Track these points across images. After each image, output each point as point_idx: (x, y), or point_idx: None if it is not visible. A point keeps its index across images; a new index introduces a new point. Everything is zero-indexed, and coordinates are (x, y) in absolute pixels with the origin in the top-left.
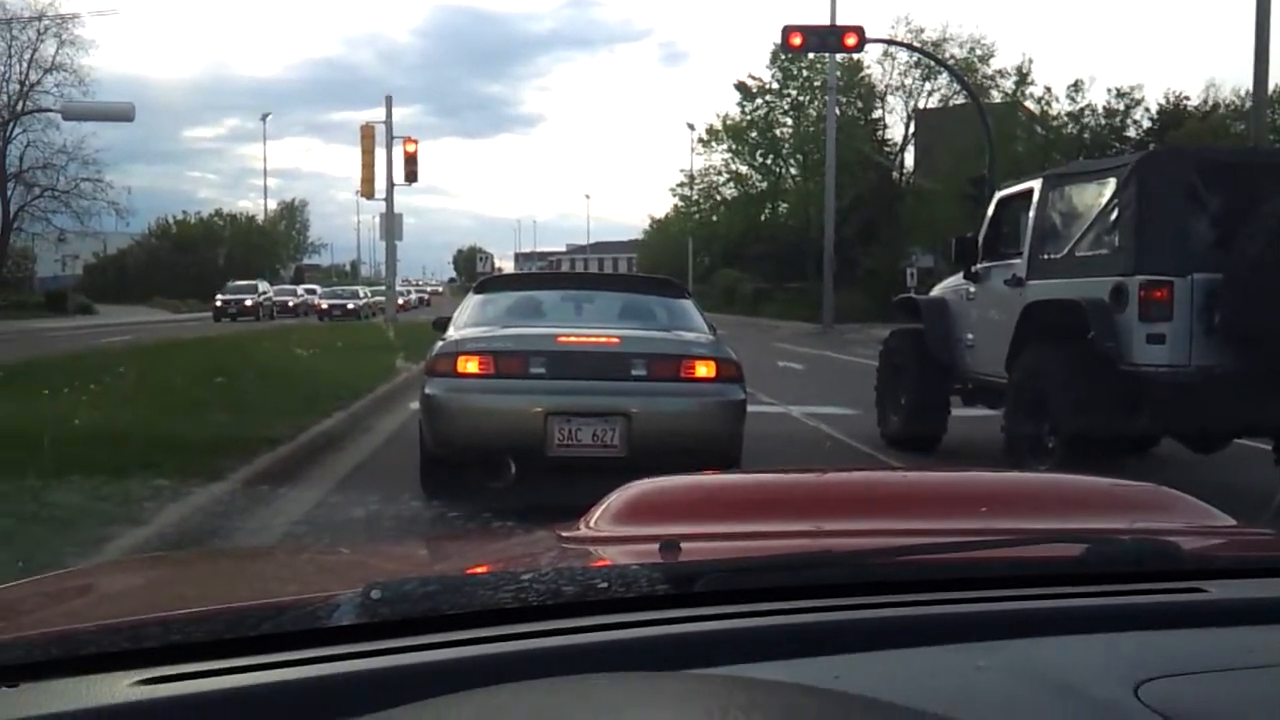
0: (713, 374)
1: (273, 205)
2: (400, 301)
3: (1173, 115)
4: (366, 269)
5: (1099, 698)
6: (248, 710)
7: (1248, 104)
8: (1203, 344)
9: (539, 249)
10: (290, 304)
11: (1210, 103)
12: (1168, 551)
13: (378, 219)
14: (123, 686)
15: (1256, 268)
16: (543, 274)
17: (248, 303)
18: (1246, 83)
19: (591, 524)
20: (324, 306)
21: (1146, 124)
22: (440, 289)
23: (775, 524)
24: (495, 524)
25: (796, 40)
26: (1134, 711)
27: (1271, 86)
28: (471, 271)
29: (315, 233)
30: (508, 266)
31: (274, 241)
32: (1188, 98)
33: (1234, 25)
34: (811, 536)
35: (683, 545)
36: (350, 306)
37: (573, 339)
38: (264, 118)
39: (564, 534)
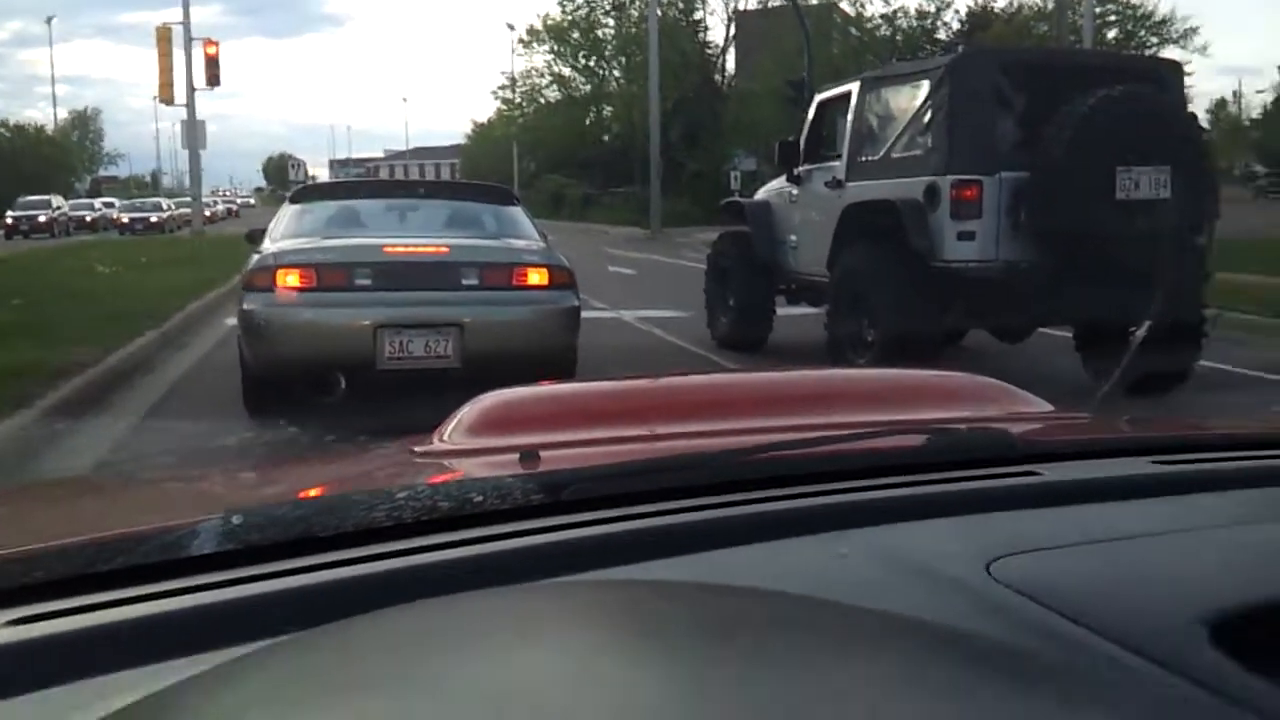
0: (545, 281)
1: (63, 114)
2: (207, 213)
3: (980, 18)
4: (169, 180)
5: (954, 576)
6: (131, 640)
7: (1049, 6)
8: (1009, 240)
9: (355, 155)
10: (88, 219)
11: (1015, 5)
12: (1002, 438)
13: (179, 127)
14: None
15: (1057, 168)
16: (364, 182)
17: (41, 219)
18: None
19: (445, 437)
20: (125, 220)
21: (956, 26)
22: (251, 200)
23: (629, 429)
24: (338, 443)
25: None
26: (987, 587)
27: None
28: (283, 181)
29: (111, 143)
30: (322, 174)
31: (66, 153)
32: (995, 0)
33: None
34: (666, 440)
35: (541, 455)
36: (153, 220)
37: (400, 249)
38: (49, 20)
39: (417, 449)
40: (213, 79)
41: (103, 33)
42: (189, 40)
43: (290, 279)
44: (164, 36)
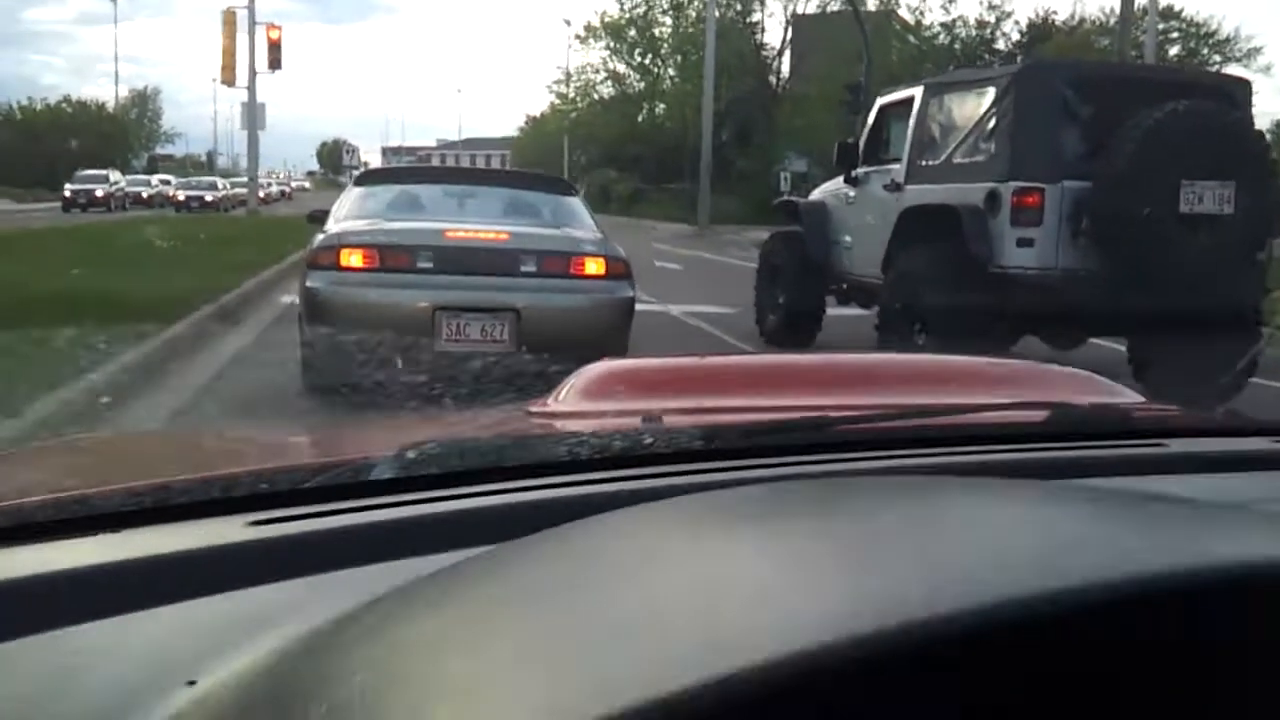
0: (602, 271)
1: (124, 93)
2: (261, 194)
3: (1041, 30)
4: (224, 160)
5: None
6: (358, 544)
7: (1112, 21)
8: (1069, 248)
9: (407, 144)
10: (144, 195)
11: (1077, 18)
12: (1128, 414)
13: (236, 108)
14: (237, 528)
15: (1121, 179)
16: (426, 168)
17: (98, 193)
18: (1111, 2)
19: (559, 400)
20: (180, 198)
21: (1015, 37)
22: (305, 184)
23: (738, 400)
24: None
25: None
26: None
27: (1136, 4)
28: (336, 165)
29: (169, 122)
30: (374, 161)
31: (125, 130)
32: (1055, 13)
33: None
34: (782, 410)
35: (664, 419)
36: (208, 199)
37: (461, 234)
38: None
39: (534, 410)
40: (274, 63)
41: (165, 13)
42: (253, 24)
43: (354, 259)
44: (229, 20)
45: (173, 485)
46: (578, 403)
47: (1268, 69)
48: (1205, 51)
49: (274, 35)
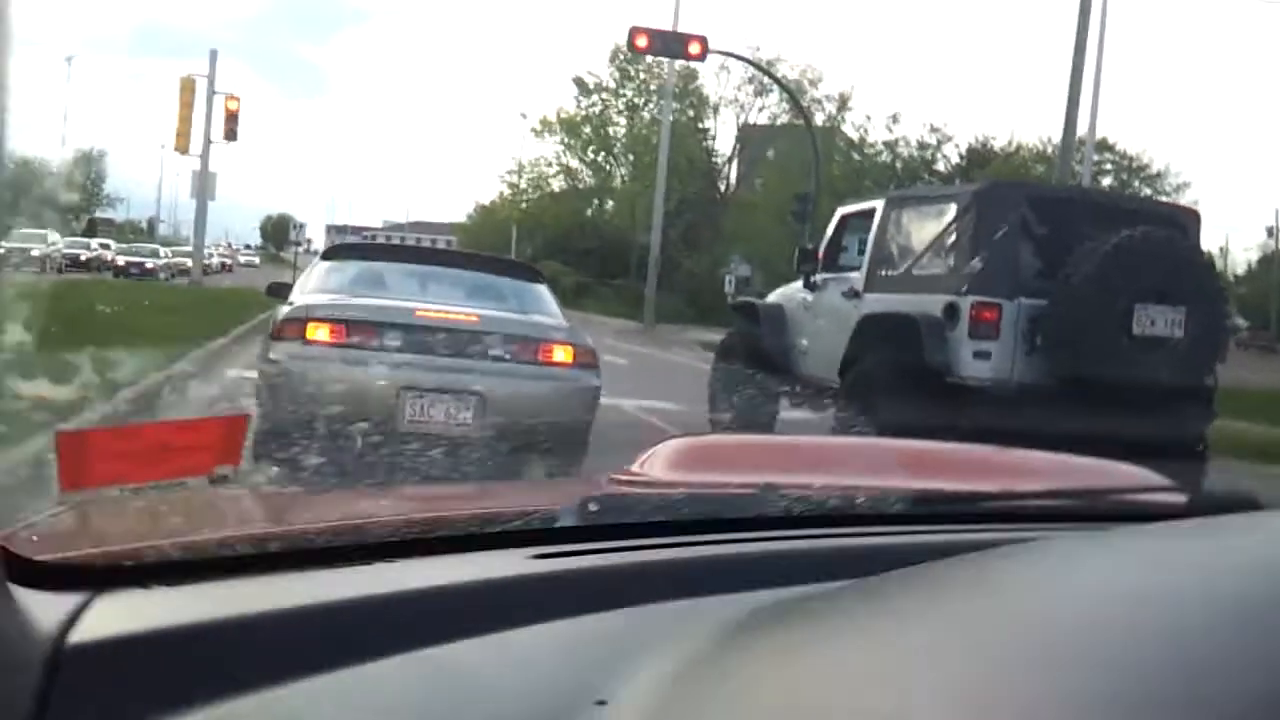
0: (570, 359)
1: (69, 153)
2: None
3: (979, 154)
4: (165, 227)
5: None
6: (622, 581)
7: (1049, 149)
8: (1024, 362)
9: (353, 223)
10: (83, 258)
11: (1014, 145)
12: (1236, 488)
13: (184, 176)
14: (521, 559)
15: (1077, 298)
16: (395, 246)
17: (34, 253)
18: (1048, 131)
19: (641, 471)
20: (120, 264)
21: (955, 160)
22: (255, 259)
23: (821, 477)
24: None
25: (642, 42)
26: None
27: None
28: (280, 240)
29: (111, 185)
30: (318, 238)
31: (68, 191)
32: (994, 138)
33: (1040, 77)
34: (864, 490)
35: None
36: (149, 265)
37: (430, 314)
38: (68, 60)
39: (622, 479)
40: (230, 133)
41: (122, 77)
42: (211, 93)
43: (321, 332)
44: (187, 87)
45: (452, 519)
46: (668, 473)
47: (1194, 204)
48: (1136, 184)
49: (232, 106)
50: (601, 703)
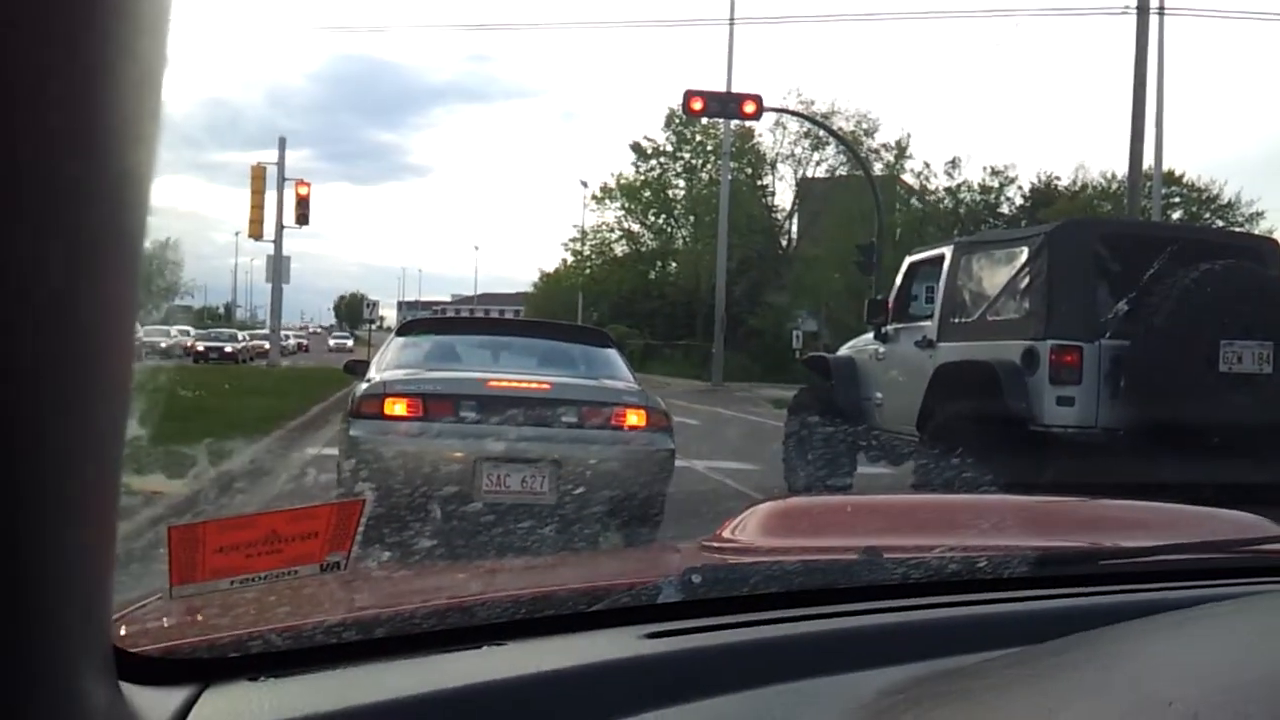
0: (643, 423)
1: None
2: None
3: (1044, 194)
4: (241, 312)
5: None
6: (737, 659)
7: (1114, 185)
8: (1108, 406)
9: (423, 298)
10: (162, 344)
11: (1079, 183)
12: None
13: (257, 261)
14: (633, 639)
15: (1160, 337)
16: (467, 319)
17: None
18: (1112, 166)
19: (732, 537)
20: (200, 349)
21: (1019, 201)
22: (347, 340)
23: (924, 538)
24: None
25: (697, 105)
26: None
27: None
28: (354, 318)
29: (188, 274)
30: (390, 315)
31: (146, 281)
32: (1059, 178)
33: (1102, 112)
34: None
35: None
36: (228, 349)
37: (503, 384)
38: None
39: (713, 544)
40: (302, 218)
41: (193, 169)
42: (282, 180)
43: (398, 408)
44: (258, 175)
45: (558, 596)
46: (763, 538)
47: (1270, 233)
48: (1208, 216)
49: (303, 191)
50: None
